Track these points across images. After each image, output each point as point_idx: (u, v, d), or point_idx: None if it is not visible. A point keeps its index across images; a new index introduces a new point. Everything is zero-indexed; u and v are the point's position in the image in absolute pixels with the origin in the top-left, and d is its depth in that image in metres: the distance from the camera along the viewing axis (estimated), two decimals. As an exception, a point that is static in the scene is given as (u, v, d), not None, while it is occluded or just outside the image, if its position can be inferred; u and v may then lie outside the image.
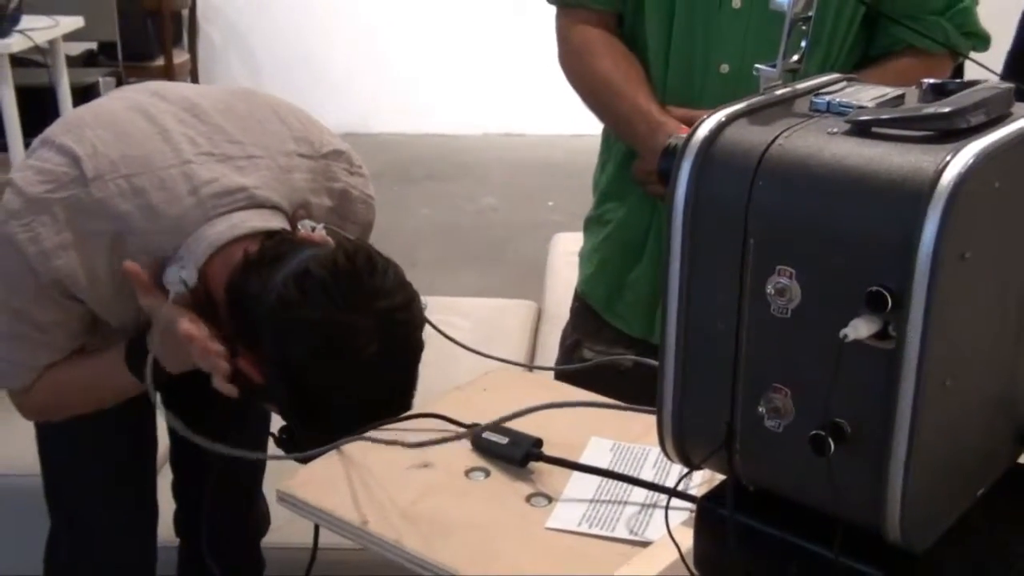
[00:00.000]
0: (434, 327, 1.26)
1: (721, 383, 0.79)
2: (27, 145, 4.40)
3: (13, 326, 1.23)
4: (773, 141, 0.75)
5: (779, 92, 0.83)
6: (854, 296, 0.71)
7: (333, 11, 5.68)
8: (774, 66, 0.82)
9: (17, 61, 4.93)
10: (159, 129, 1.23)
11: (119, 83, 5.32)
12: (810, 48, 0.86)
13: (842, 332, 0.69)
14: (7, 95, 4.23)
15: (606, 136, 1.81)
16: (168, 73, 5.23)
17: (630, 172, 1.68)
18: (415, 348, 1.18)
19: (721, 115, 0.79)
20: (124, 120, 1.24)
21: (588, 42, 1.68)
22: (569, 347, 1.82)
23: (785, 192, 0.74)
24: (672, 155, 0.79)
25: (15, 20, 4.11)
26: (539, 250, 3.36)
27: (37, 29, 4.16)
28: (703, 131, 0.78)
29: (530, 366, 1.35)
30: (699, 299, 0.79)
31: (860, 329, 0.70)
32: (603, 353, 1.71)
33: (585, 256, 1.82)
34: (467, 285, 3.90)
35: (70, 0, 4.74)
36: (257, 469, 1.65)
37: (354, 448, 1.10)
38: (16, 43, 4.07)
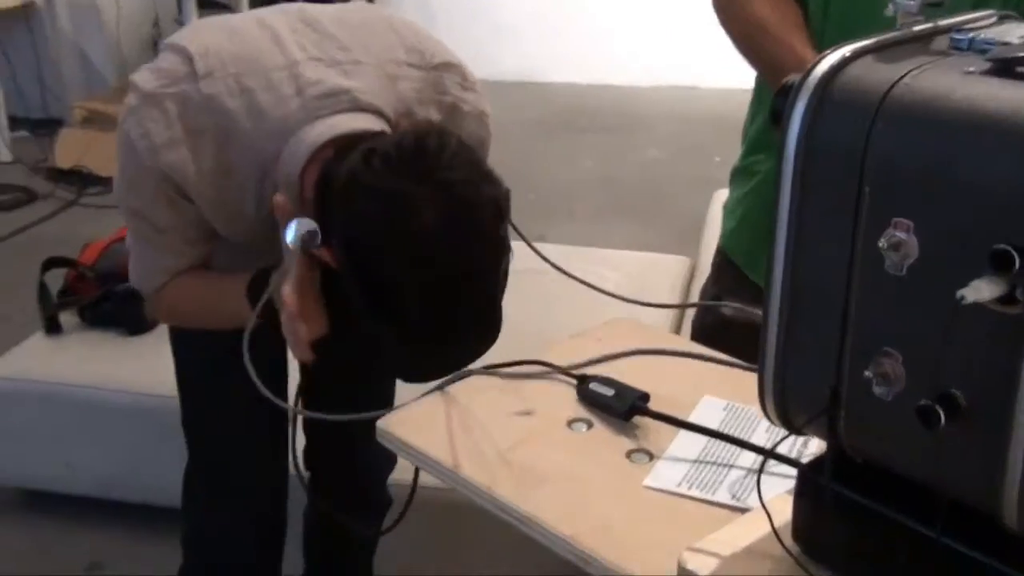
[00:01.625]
0: (519, 234, 1.21)
1: (828, 343, 0.73)
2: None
3: (138, 226, 1.28)
4: (899, 80, 0.68)
5: (917, 28, 0.75)
6: (979, 254, 0.63)
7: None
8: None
9: (202, 1, 5.15)
10: (271, 35, 1.25)
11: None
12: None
13: (959, 293, 0.62)
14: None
15: (758, 84, 1.72)
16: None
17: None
18: (481, 230, 1.09)
19: (845, 51, 0.72)
20: (239, 27, 1.28)
21: None
22: (707, 301, 1.75)
23: (906, 136, 0.66)
24: (787, 94, 0.72)
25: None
26: (701, 206, 3.26)
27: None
28: (822, 68, 0.71)
29: (642, 303, 1.30)
30: (808, 251, 0.73)
31: (982, 291, 0.62)
32: (742, 311, 1.64)
33: (729, 209, 1.74)
34: (624, 238, 3.84)
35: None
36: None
37: (458, 389, 1.09)
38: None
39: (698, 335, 1.76)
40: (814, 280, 0.72)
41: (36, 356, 2.40)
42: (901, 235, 0.67)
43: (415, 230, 1.05)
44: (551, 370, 1.18)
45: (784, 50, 1.52)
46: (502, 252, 1.12)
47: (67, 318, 2.45)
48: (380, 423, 1.08)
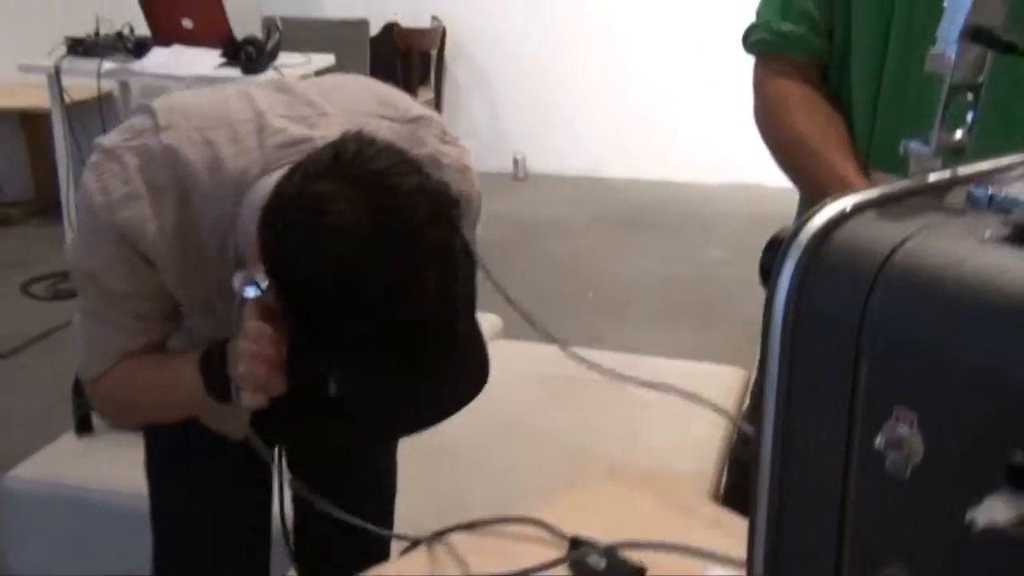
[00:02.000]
0: (469, 250, 1.03)
1: (822, 555, 0.61)
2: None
3: (90, 296, 1.20)
4: (903, 243, 0.57)
5: (933, 177, 0.64)
6: (994, 459, 0.52)
7: (575, 59, 5.67)
8: (927, 142, 0.64)
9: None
10: (241, 93, 1.21)
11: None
12: (977, 121, 0.66)
13: (969, 515, 0.50)
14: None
15: (802, 200, 1.61)
16: (411, 111, 5.38)
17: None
18: (411, 225, 0.95)
19: (845, 203, 0.61)
20: (212, 90, 1.25)
21: (785, 96, 1.50)
22: (742, 436, 1.63)
23: (909, 311, 0.56)
24: (776, 249, 0.62)
25: (272, 57, 4.33)
26: (761, 312, 3.12)
27: (290, 66, 4.36)
28: (815, 224, 0.61)
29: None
30: (798, 440, 0.62)
31: (997, 512, 0.50)
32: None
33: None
34: (679, 343, 3.71)
35: (327, 39, 4.98)
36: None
37: (442, 548, 0.99)
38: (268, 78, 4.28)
39: (733, 468, 1.64)
40: (805, 478, 0.61)
41: (65, 457, 2.36)
42: (903, 430, 0.55)
43: (332, 226, 0.93)
44: (542, 530, 1.07)
45: (824, 168, 1.42)
46: (445, 257, 0.97)
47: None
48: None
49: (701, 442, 2.39)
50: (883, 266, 0.56)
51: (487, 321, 3.14)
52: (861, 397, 0.57)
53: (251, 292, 1.03)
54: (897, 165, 1.35)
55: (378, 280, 0.93)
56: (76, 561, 2.27)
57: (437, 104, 5.64)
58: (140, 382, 1.23)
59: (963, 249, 0.55)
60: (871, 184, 1.34)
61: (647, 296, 4.26)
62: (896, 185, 0.63)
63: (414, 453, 2.41)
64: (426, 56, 5.57)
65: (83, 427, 2.42)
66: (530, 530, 1.06)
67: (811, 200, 1.54)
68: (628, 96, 5.66)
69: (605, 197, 5.51)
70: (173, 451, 1.44)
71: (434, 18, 5.61)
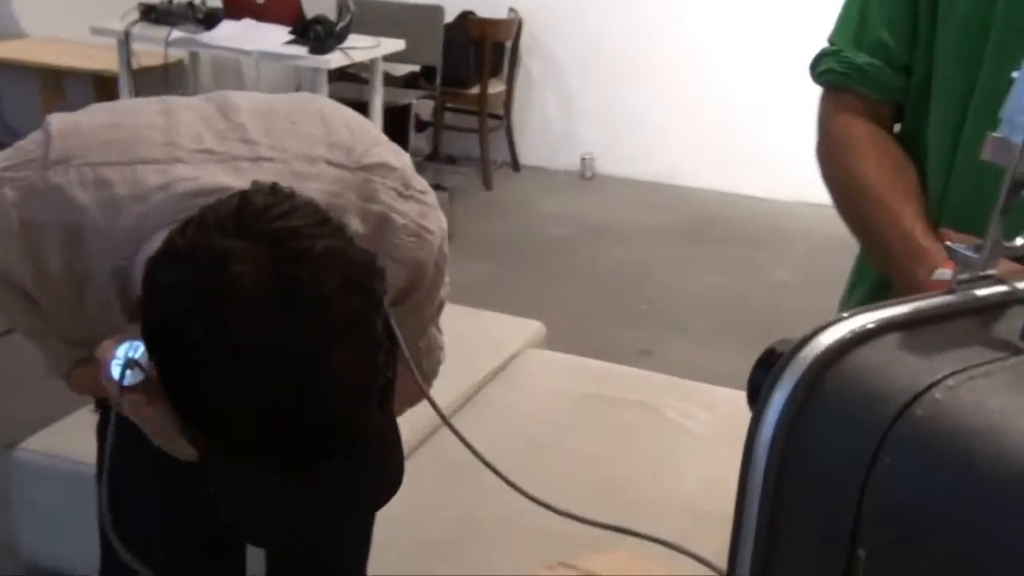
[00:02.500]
0: (391, 328, 0.88)
1: None
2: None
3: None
4: (928, 389, 0.43)
5: (981, 293, 0.50)
6: None
7: (654, 60, 5.48)
8: (978, 250, 0.49)
9: (340, 74, 5.16)
10: (169, 123, 1.05)
11: (435, 106, 5.45)
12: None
13: None
14: (320, 107, 4.39)
15: (861, 254, 1.46)
16: (482, 102, 5.26)
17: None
18: (316, 294, 0.80)
19: (866, 319, 0.48)
20: (137, 109, 1.09)
21: (851, 136, 1.35)
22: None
23: (927, 484, 0.42)
24: (769, 364, 0.49)
25: (341, 38, 4.25)
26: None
27: (358, 48, 4.28)
28: (822, 343, 0.47)
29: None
30: (775, 612, 0.48)
31: None
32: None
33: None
34: (732, 366, 3.54)
35: (399, 23, 4.89)
36: None
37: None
38: (335, 59, 4.21)
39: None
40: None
41: (78, 433, 2.30)
42: (905, 639, 0.42)
43: (221, 291, 0.80)
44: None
45: (888, 220, 1.26)
46: (356, 337, 0.82)
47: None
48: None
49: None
50: (898, 418, 0.43)
51: (530, 328, 3.04)
52: (855, 584, 0.43)
53: (128, 378, 0.90)
54: (977, 223, 1.20)
55: (270, 360, 0.79)
56: (84, 536, 2.22)
57: (508, 97, 5.52)
58: (97, 381, 1.13)
59: (1010, 407, 0.41)
60: (939, 245, 1.19)
61: (705, 313, 4.09)
62: (935, 301, 0.49)
63: (435, 461, 2.32)
64: (500, 47, 5.44)
65: (101, 403, 2.36)
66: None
67: (871, 253, 1.38)
68: (707, 102, 5.47)
69: (674, 205, 5.33)
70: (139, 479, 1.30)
71: (511, 9, 5.47)
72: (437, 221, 1.11)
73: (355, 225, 1.03)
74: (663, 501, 2.14)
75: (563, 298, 4.09)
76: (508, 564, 1.91)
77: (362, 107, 4.80)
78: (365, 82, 4.80)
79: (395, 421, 0.97)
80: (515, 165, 5.68)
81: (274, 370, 0.79)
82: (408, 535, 1.90)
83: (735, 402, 2.51)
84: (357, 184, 1.05)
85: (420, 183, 1.11)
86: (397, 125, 5.01)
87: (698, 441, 2.42)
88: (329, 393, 0.80)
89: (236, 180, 0.98)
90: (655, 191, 5.49)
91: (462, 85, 5.32)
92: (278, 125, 1.07)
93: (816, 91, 1.41)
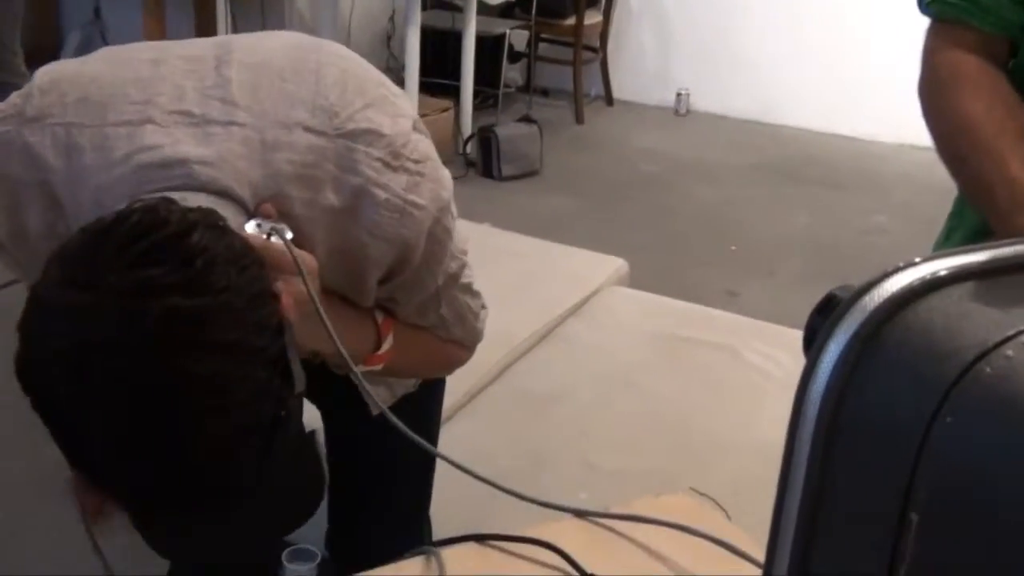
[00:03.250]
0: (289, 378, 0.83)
1: None
2: (423, 86, 4.57)
3: None
4: (1000, 345, 0.39)
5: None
6: None
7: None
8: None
9: (435, 1, 5.11)
10: (154, 75, 1.00)
11: (530, 37, 5.36)
12: None
13: None
14: (412, 35, 4.36)
15: (960, 197, 1.38)
16: (577, 33, 5.16)
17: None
18: (159, 362, 0.74)
19: (936, 267, 0.43)
20: (132, 59, 1.04)
21: (959, 72, 1.27)
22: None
23: (992, 449, 0.38)
24: (828, 311, 0.45)
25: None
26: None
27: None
28: (886, 289, 0.43)
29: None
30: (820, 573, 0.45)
31: None
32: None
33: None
34: (822, 312, 3.45)
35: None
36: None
37: (452, 558, 0.86)
38: (428, -13, 4.16)
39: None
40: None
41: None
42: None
43: (35, 359, 0.76)
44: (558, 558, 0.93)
45: (993, 165, 1.19)
46: (209, 398, 0.75)
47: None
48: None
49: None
50: (964, 375, 0.39)
51: (613, 265, 3.00)
52: (907, 555, 0.40)
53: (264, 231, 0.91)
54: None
55: (113, 422, 0.75)
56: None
57: (604, 29, 5.40)
58: None
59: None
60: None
61: (795, 256, 3.99)
62: (1015, 247, 0.44)
63: (513, 394, 2.32)
64: (598, -23, 5.33)
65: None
66: (549, 558, 0.92)
67: (971, 198, 1.31)
68: (808, 39, 5.27)
69: (769, 144, 5.19)
70: None
71: (612, -63, 5.35)
72: (431, 193, 1.01)
73: (330, 198, 0.98)
74: (739, 445, 2.10)
75: (649, 236, 4.03)
76: (579, 502, 1.91)
77: (455, 36, 4.76)
78: (459, 10, 4.75)
79: (303, 446, 0.93)
80: (608, 99, 5.58)
81: (116, 432, 0.76)
82: (478, 471, 1.91)
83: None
84: (336, 153, 0.98)
85: (418, 151, 1.01)
86: (490, 55, 4.96)
87: (779, 387, 2.37)
88: (179, 456, 0.76)
89: (204, 149, 0.94)
90: (750, 129, 5.35)
91: (558, 16, 5.22)
92: (266, 83, 1.00)
93: (923, 24, 1.33)
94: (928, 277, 0.43)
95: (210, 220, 0.82)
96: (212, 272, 0.77)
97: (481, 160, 4.50)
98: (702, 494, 2.06)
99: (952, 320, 0.41)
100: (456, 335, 1.18)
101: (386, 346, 1.10)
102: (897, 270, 0.44)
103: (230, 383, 0.76)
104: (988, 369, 0.38)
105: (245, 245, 0.84)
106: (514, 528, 0.99)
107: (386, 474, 1.33)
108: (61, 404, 0.76)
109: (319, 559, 1.98)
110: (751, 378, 2.42)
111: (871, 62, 5.18)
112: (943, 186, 1.35)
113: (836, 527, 0.44)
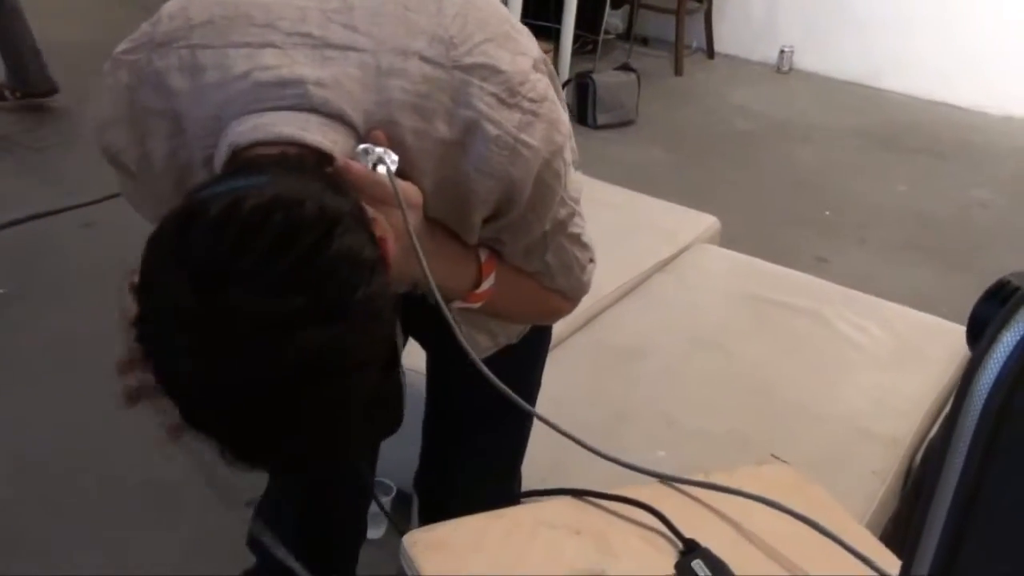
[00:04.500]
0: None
1: None
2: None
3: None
4: None
5: None
6: None
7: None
8: None
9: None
10: None
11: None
12: None
13: None
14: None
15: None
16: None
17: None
18: (243, 348, 0.75)
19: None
20: None
21: None
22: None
23: None
24: (1000, 299, 0.43)
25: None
26: (1020, 266, 2.76)
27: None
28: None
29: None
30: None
31: None
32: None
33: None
34: (913, 284, 3.37)
35: None
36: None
37: (522, 516, 0.86)
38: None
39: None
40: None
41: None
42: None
43: (157, 307, 0.78)
44: (654, 518, 0.92)
45: None
46: (312, 372, 0.76)
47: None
48: (408, 538, 0.87)
49: (908, 403, 2.14)
50: None
51: (704, 222, 2.95)
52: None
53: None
54: None
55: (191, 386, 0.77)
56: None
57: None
58: None
59: None
60: None
61: (891, 225, 3.89)
62: None
63: (596, 345, 2.31)
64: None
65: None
66: (646, 519, 0.92)
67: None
68: (921, 3, 5.09)
69: (873, 109, 5.04)
70: None
71: None
72: (544, 134, 0.99)
73: (441, 130, 0.97)
74: (823, 415, 2.07)
75: (742, 195, 3.96)
76: (656, 460, 1.91)
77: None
78: (564, -49, 4.68)
79: (394, 379, 0.95)
80: (710, 52, 5.47)
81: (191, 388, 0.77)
82: (560, 424, 1.91)
83: (911, 321, 2.38)
84: (452, 85, 0.96)
85: (536, 90, 0.99)
86: (593, 0, 4.88)
87: (868, 357, 2.32)
88: (292, 430, 0.78)
89: (320, 71, 0.94)
90: (853, 92, 5.20)
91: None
92: (388, 10, 1.00)
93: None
94: (1116, 273, 0.41)
95: (331, 215, 0.80)
96: (346, 293, 0.77)
97: (577, 106, 4.45)
98: (782, 461, 2.03)
99: None
100: (560, 284, 1.17)
101: (486, 285, 1.09)
102: (1079, 263, 0.42)
103: (355, 386, 0.78)
104: None
105: (368, 240, 0.83)
106: (596, 483, 0.99)
107: (484, 422, 1.33)
108: (190, 403, 0.78)
109: (394, 492, 2.01)
110: (838, 347, 2.37)
111: (982, 32, 4.99)
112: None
113: (996, 518, 0.42)
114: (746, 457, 2.04)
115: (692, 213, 2.94)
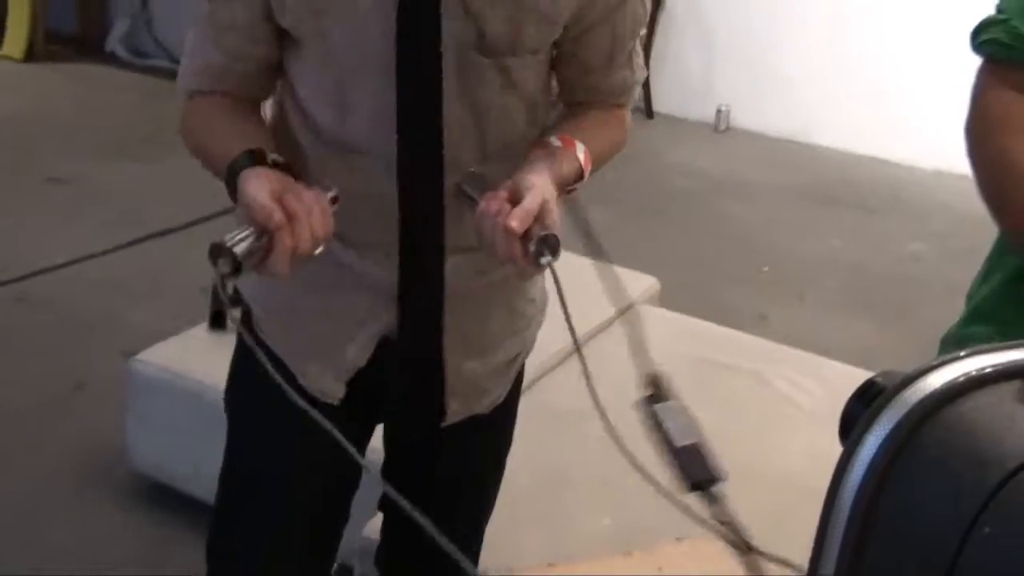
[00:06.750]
0: None
1: None
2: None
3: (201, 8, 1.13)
4: (1045, 454, 0.38)
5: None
6: None
7: (799, 11, 5.26)
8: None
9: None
10: None
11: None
12: None
13: None
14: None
15: (1000, 242, 1.37)
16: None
17: (1018, 295, 1.25)
18: None
19: (982, 363, 0.43)
20: None
21: (1010, 115, 1.26)
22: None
23: (1031, 566, 0.37)
24: (867, 399, 0.44)
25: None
26: (954, 318, 2.83)
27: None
28: (930, 384, 0.42)
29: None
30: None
31: None
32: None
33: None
34: (855, 339, 3.42)
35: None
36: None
37: None
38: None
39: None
40: None
41: (192, 350, 2.36)
42: None
43: None
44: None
45: None
46: None
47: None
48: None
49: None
50: (1005, 484, 0.38)
51: (644, 283, 2.97)
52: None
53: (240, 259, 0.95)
54: None
55: None
56: (193, 452, 2.28)
57: (648, 41, 5.38)
58: (210, 129, 1.14)
59: None
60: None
61: (828, 280, 3.95)
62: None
63: (538, 409, 2.31)
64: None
65: (216, 322, 2.42)
66: None
67: (1013, 246, 1.30)
68: (852, 60, 5.22)
69: (807, 165, 5.14)
70: (255, 408, 1.33)
71: (659, -51, 5.33)
72: None
73: None
74: (764, 474, 2.09)
75: (681, 253, 4.01)
76: (600, 529, 1.90)
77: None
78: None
79: None
80: (648, 112, 5.56)
81: None
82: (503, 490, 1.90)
83: (849, 377, 2.41)
84: None
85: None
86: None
87: (806, 415, 2.35)
88: None
89: None
90: (788, 149, 5.31)
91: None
92: None
93: (973, 60, 1.32)
94: (973, 374, 0.42)
95: None
96: None
97: (516, 168, 4.48)
98: (724, 523, 2.05)
99: (995, 423, 0.40)
100: (631, 92, 1.25)
101: (581, 155, 1.18)
102: (941, 363, 0.43)
103: None
104: (1031, 480, 0.38)
105: None
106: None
107: (452, 489, 1.33)
108: None
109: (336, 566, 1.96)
110: (778, 407, 2.40)
111: (915, 86, 5.13)
112: (982, 217, 1.33)
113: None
114: (689, 521, 2.04)
115: (633, 274, 2.96)
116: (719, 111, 5.46)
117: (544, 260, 0.97)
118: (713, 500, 0.73)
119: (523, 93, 1.14)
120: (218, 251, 0.91)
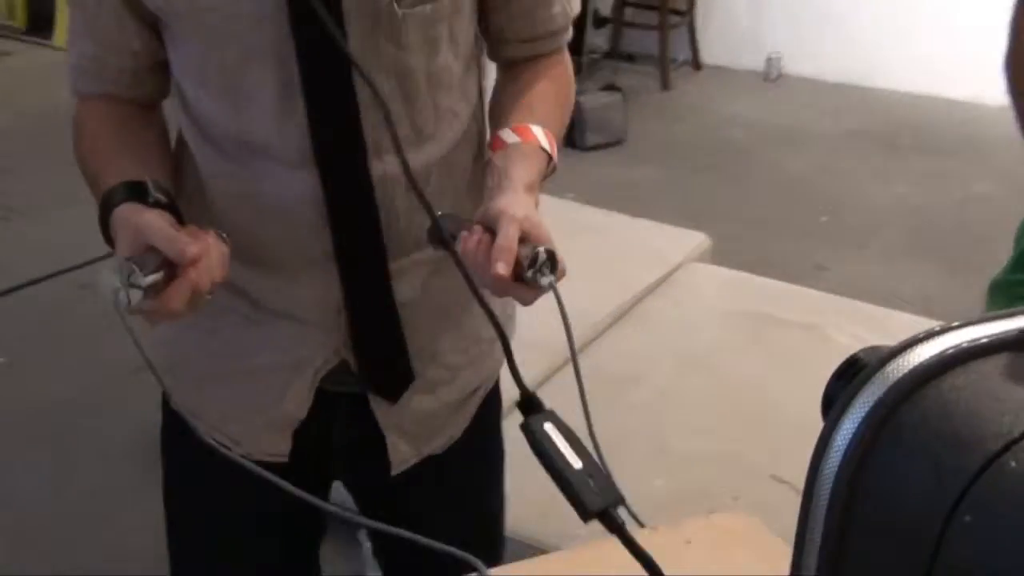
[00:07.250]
0: None
1: None
2: None
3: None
4: (1029, 434, 0.35)
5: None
6: None
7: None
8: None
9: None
10: None
11: (615, 1, 5.25)
12: None
13: None
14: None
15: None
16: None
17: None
18: None
19: (971, 334, 0.39)
20: None
21: None
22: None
23: (1015, 555, 0.34)
24: (848, 377, 0.41)
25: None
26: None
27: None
28: (912, 359, 0.39)
29: None
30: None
31: None
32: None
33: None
34: (918, 287, 3.33)
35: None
36: None
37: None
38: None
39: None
40: None
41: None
42: None
43: None
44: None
45: None
46: None
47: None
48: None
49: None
50: (986, 469, 0.35)
51: (693, 241, 2.93)
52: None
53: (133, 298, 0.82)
54: None
55: None
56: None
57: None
58: (95, 141, 1.02)
59: None
60: None
61: (891, 227, 3.85)
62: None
63: (589, 373, 2.28)
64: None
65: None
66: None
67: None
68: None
69: (866, 109, 5.00)
70: (192, 481, 1.19)
71: None
72: None
73: None
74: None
75: (738, 207, 3.93)
76: (653, 489, 1.87)
77: None
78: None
79: None
80: (696, 64, 5.45)
81: None
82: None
83: (916, 328, 2.36)
84: None
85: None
86: (574, 20, 4.88)
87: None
88: None
89: None
90: (844, 94, 5.16)
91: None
92: None
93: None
94: (960, 347, 0.39)
95: None
96: None
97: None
98: (783, 481, 2.00)
99: (977, 402, 0.37)
100: (569, 27, 1.14)
101: (544, 141, 1.02)
102: (927, 336, 0.40)
103: None
104: (1013, 463, 0.35)
105: None
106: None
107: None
108: None
109: None
110: (838, 360, 2.35)
111: (972, 22, 4.94)
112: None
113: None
114: (745, 480, 2.00)
115: (682, 232, 2.92)
116: (769, 59, 5.32)
117: (545, 282, 0.87)
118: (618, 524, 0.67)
119: (455, 50, 1.00)
120: (127, 278, 0.80)
